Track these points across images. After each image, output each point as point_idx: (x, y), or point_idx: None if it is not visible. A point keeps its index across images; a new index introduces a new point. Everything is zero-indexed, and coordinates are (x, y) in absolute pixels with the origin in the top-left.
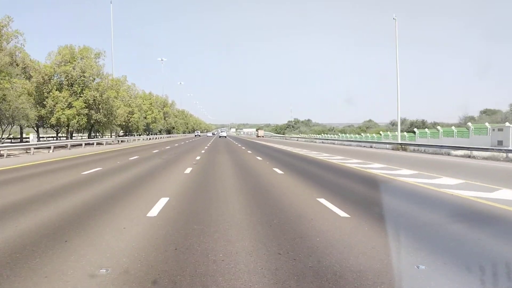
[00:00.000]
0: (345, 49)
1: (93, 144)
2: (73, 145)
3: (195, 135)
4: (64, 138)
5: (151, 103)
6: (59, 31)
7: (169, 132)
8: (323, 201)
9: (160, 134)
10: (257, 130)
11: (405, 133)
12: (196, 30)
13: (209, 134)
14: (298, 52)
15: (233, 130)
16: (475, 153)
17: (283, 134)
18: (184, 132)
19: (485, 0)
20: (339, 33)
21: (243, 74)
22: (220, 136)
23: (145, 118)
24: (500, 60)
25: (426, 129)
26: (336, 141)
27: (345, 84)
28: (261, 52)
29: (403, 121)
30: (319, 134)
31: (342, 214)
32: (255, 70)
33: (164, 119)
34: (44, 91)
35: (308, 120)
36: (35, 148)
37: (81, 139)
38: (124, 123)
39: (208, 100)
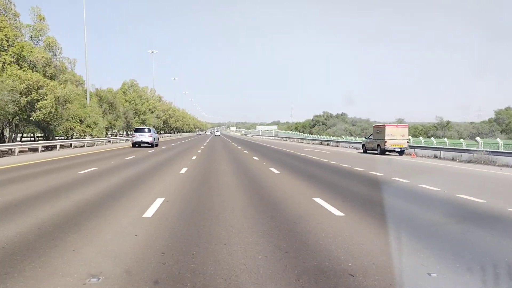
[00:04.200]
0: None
1: None
2: None
3: (197, 134)
4: None
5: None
6: None
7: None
8: None
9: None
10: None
11: None
12: (194, 29)
13: (208, 132)
14: (296, 50)
15: (233, 128)
16: None
17: (310, 134)
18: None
19: None
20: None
21: (240, 73)
22: (215, 135)
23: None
24: None
25: None
26: None
27: (347, 82)
28: (259, 50)
29: None
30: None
31: None
32: (252, 69)
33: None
34: None
35: (343, 114)
36: None
37: None
38: None
39: (204, 99)
